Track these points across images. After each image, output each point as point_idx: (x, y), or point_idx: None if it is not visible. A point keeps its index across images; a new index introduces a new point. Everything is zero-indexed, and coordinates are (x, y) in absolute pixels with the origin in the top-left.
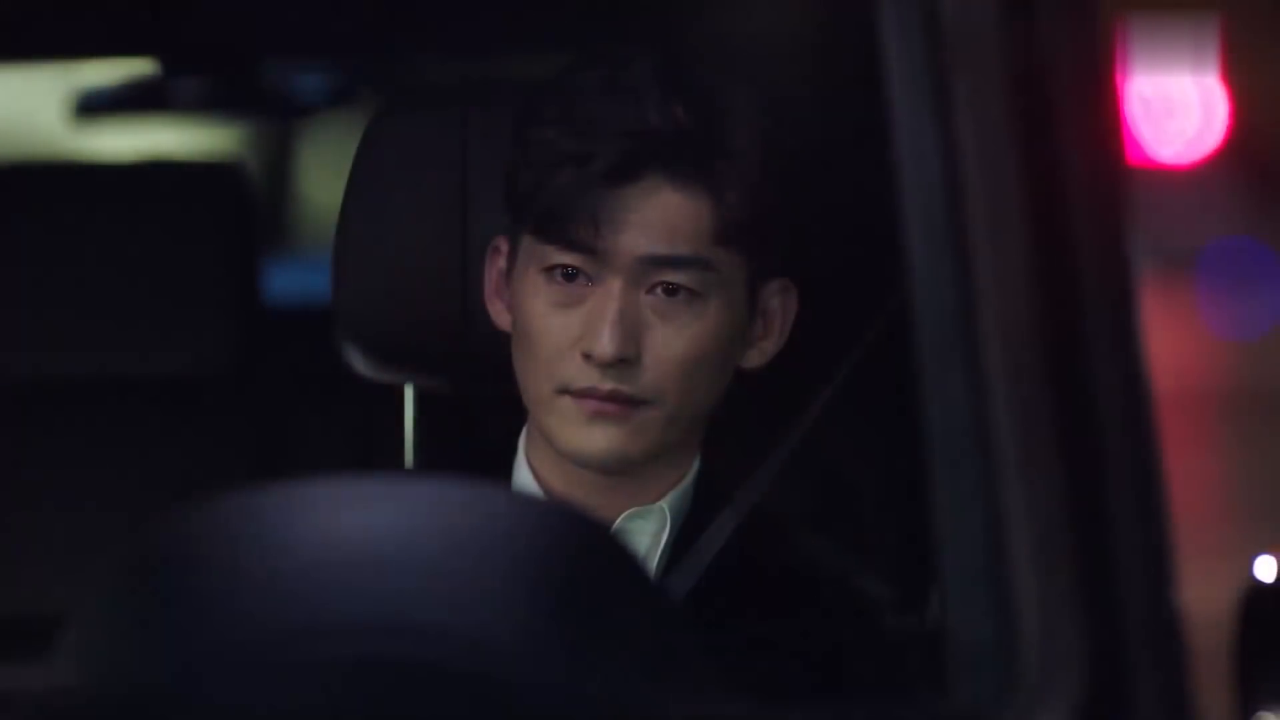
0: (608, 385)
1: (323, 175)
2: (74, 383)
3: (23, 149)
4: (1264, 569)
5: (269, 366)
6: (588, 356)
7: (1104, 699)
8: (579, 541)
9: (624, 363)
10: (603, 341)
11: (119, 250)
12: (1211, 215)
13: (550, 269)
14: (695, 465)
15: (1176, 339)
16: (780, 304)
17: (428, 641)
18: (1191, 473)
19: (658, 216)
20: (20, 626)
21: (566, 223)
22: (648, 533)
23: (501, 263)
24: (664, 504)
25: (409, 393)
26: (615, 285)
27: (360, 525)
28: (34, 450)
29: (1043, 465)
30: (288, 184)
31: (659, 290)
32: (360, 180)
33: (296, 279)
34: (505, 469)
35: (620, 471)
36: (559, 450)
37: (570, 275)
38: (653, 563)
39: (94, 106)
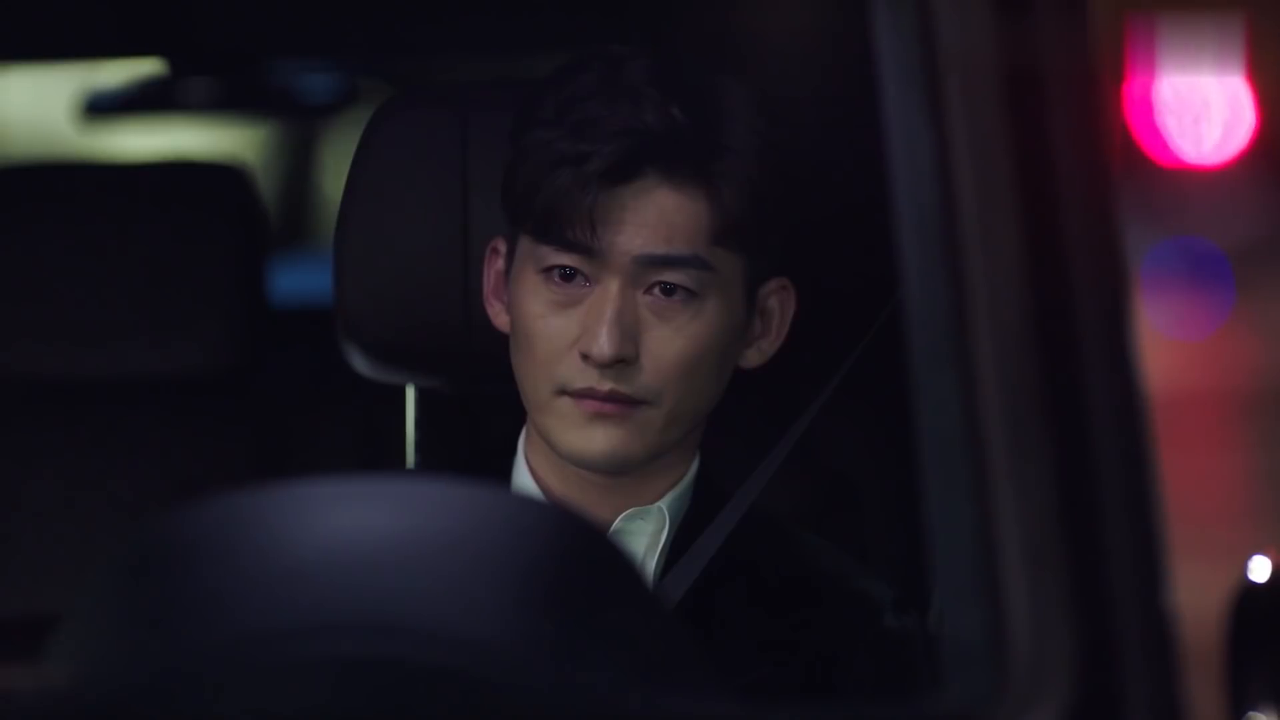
0: (606, 386)
1: (343, 175)
2: (78, 381)
3: (40, 149)
4: (1258, 569)
5: (276, 366)
6: (586, 357)
7: (1095, 699)
8: (576, 543)
9: (622, 363)
10: (601, 342)
11: (124, 250)
12: (1239, 215)
13: (548, 269)
14: (694, 465)
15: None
16: (778, 303)
17: (424, 642)
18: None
19: (655, 216)
20: (20, 626)
21: (564, 223)
22: (647, 533)
23: (500, 263)
24: (663, 504)
25: (411, 393)
26: (613, 285)
27: (358, 525)
28: (37, 449)
29: (1035, 465)
30: (308, 184)
31: (657, 290)
32: (360, 180)
33: (316, 279)
34: (505, 469)
35: (619, 472)
36: (558, 451)
37: (568, 276)
38: (651, 563)
39: (102, 107)
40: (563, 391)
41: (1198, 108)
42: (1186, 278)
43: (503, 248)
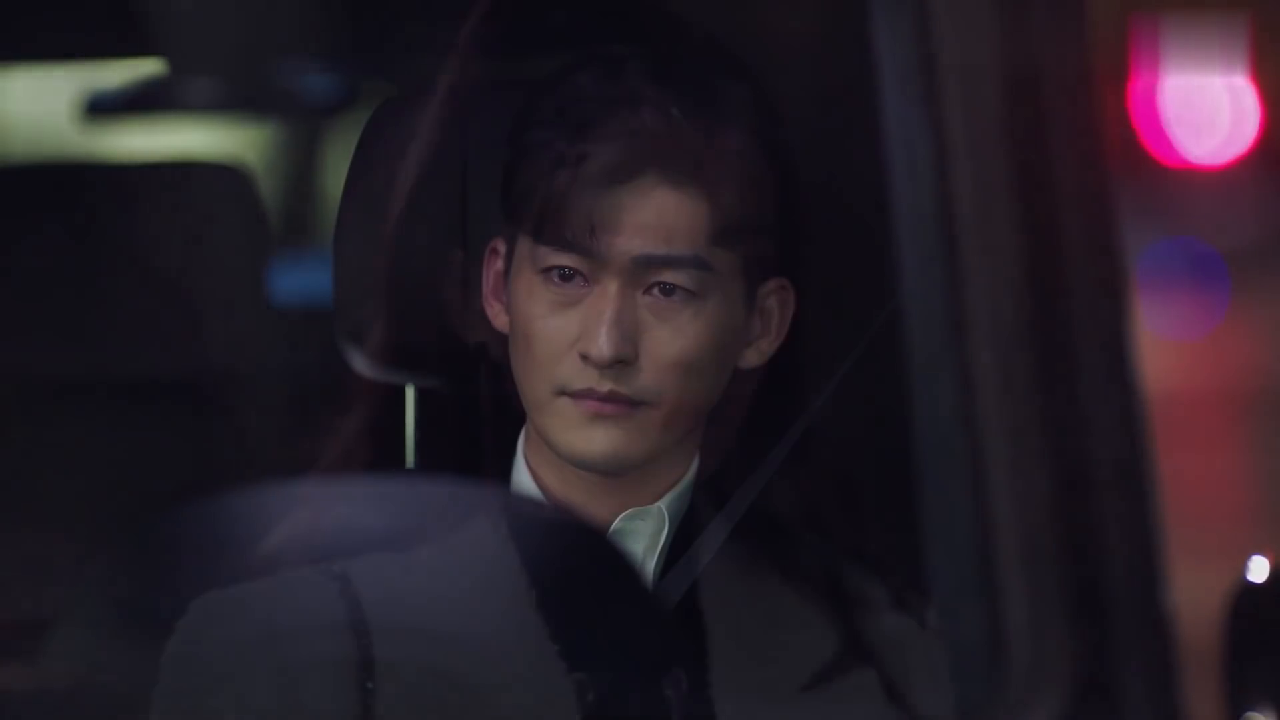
0: (606, 386)
1: (344, 175)
2: (79, 381)
3: (41, 149)
4: (1256, 569)
5: (276, 366)
6: (585, 357)
7: (1093, 700)
8: (575, 542)
9: (621, 363)
10: (600, 342)
11: (123, 250)
12: (1243, 215)
13: (547, 270)
14: (693, 466)
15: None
16: (778, 303)
17: (424, 642)
18: None
19: (654, 217)
20: (20, 626)
21: (563, 224)
22: (646, 533)
23: (499, 264)
24: (662, 504)
25: (410, 393)
26: (612, 286)
27: (357, 525)
28: (36, 449)
29: (1033, 466)
30: (309, 184)
31: (656, 290)
32: (359, 180)
33: (316, 279)
34: (505, 470)
35: (619, 473)
36: (558, 452)
37: (567, 276)
38: (650, 563)
39: (102, 107)
40: (562, 392)
41: (1202, 107)
42: (1183, 277)
43: (502, 248)
